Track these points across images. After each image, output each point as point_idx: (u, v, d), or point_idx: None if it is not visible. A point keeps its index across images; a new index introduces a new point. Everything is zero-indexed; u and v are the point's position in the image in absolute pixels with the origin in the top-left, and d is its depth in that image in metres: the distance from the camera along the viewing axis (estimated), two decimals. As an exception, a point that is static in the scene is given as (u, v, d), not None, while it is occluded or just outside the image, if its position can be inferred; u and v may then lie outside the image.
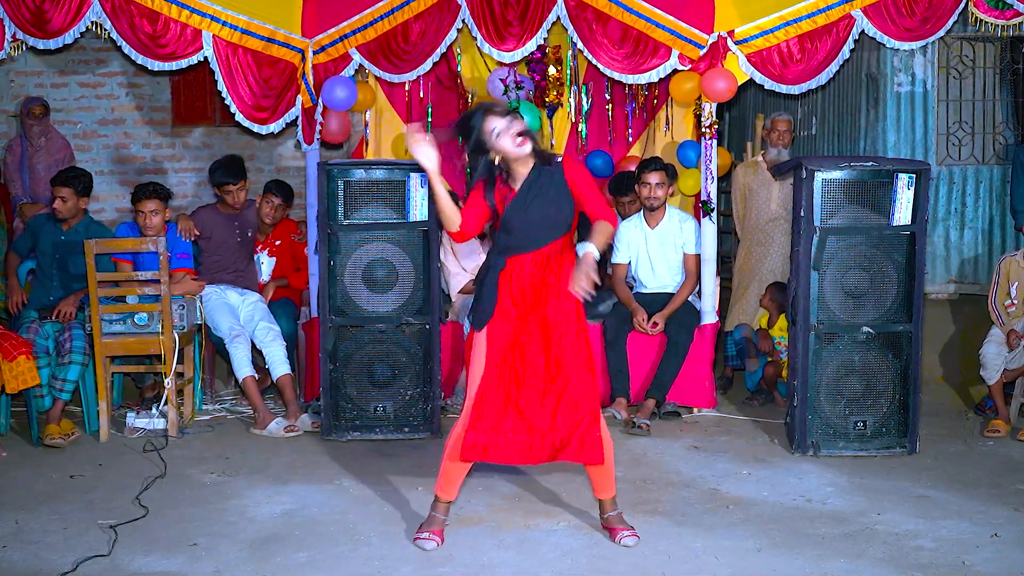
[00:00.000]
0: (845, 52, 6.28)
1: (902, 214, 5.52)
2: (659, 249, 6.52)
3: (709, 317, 6.51)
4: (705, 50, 6.23)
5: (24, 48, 6.05)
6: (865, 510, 4.74)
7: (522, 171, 4.15)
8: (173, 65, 6.16)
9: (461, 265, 6.91)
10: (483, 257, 5.17)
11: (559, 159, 4.19)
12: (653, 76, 6.32)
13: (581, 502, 4.82)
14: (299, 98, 6.37)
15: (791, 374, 5.72)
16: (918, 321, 5.58)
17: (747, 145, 8.42)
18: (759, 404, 6.72)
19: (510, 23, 6.19)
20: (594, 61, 6.32)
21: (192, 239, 6.47)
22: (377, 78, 6.81)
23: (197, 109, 8.97)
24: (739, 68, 6.27)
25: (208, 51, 6.10)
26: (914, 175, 5.50)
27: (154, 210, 6.16)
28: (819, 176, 5.50)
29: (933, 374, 7.06)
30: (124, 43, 6.00)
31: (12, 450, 5.70)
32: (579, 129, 7.88)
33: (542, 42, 6.41)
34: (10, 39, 5.91)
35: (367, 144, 7.65)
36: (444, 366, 6.26)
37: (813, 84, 6.37)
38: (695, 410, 6.48)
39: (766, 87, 6.37)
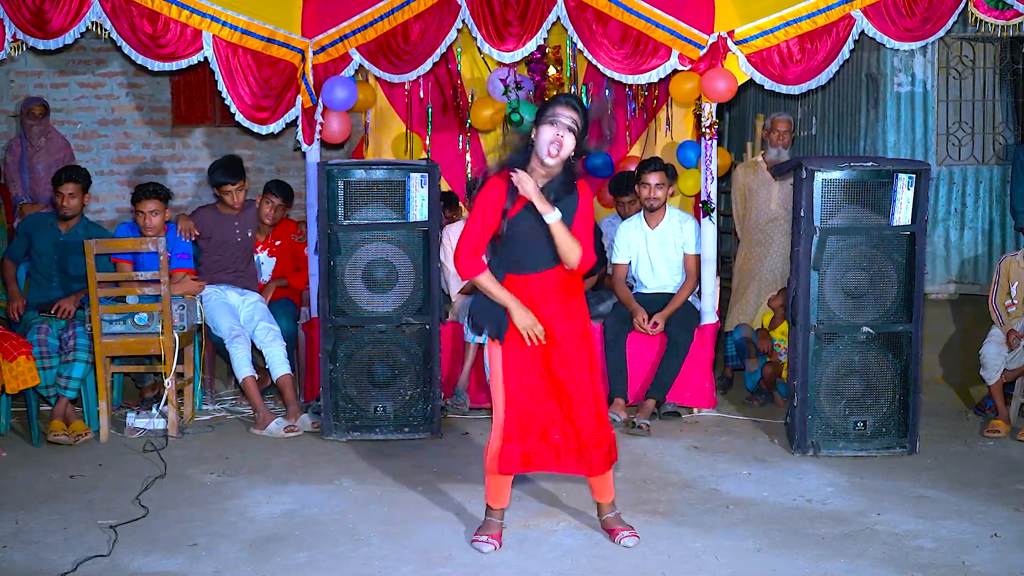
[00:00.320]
0: (845, 52, 6.28)
1: (902, 214, 5.52)
2: (659, 249, 6.51)
3: (709, 317, 6.51)
4: (705, 50, 6.23)
5: (24, 48, 6.05)
6: (865, 510, 4.74)
7: (542, 174, 4.03)
8: (173, 65, 6.16)
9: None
10: None
11: (576, 182, 4.08)
12: (653, 76, 6.32)
13: (581, 502, 4.82)
14: (299, 98, 6.37)
15: (791, 374, 5.73)
16: (918, 321, 5.58)
17: (747, 145, 8.42)
18: (759, 404, 6.72)
19: (510, 23, 6.20)
20: (594, 61, 6.32)
21: (192, 239, 6.47)
22: (377, 78, 6.81)
23: (197, 109, 8.97)
24: (739, 68, 6.27)
25: (208, 51, 6.10)
26: (914, 175, 5.50)
27: (154, 210, 6.16)
28: (819, 176, 5.50)
29: (933, 374, 7.06)
30: (124, 43, 6.00)
31: (12, 450, 5.70)
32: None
33: (542, 42, 6.42)
34: (10, 39, 5.92)
35: (367, 144, 7.66)
36: (444, 366, 6.26)
37: (813, 84, 6.38)
38: (695, 410, 6.48)
39: (766, 87, 6.37)
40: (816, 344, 5.59)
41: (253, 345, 6.35)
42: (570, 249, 4.01)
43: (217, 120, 8.90)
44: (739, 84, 6.27)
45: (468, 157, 7.85)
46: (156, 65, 6.13)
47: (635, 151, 7.86)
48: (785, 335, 6.47)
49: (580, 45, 6.29)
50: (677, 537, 4.40)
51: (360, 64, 6.39)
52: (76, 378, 5.90)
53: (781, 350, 6.57)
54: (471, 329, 4.31)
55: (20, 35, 5.90)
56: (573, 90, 7.76)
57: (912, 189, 5.49)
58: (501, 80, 7.39)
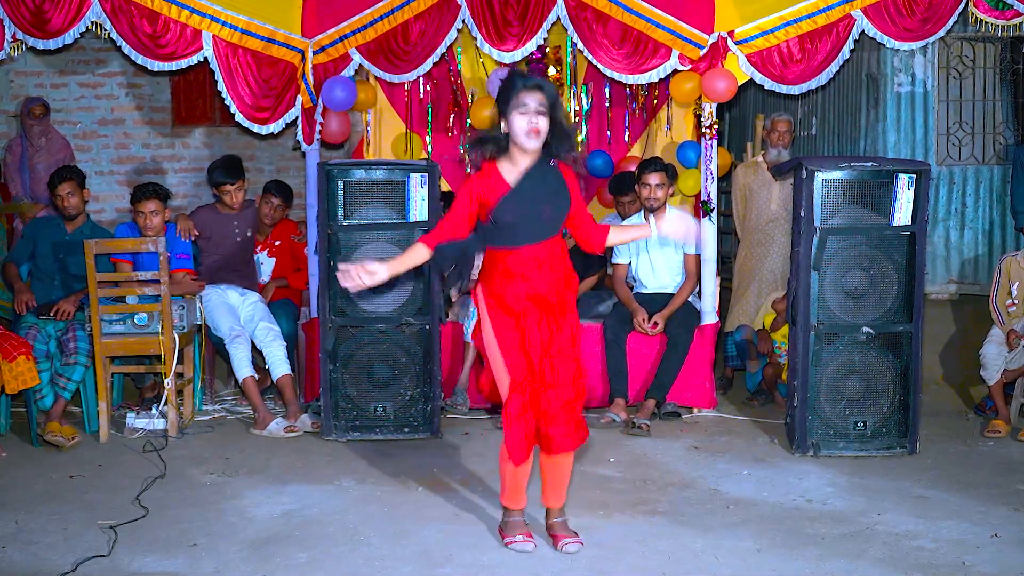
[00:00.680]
0: (845, 52, 6.28)
1: (902, 214, 5.52)
2: (659, 249, 6.51)
3: (709, 317, 6.51)
4: (705, 50, 6.23)
5: (24, 48, 6.05)
6: (865, 510, 4.74)
7: (521, 159, 4.04)
8: (173, 65, 6.16)
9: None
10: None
11: (554, 162, 4.08)
12: (653, 76, 6.32)
13: (581, 502, 4.82)
14: (299, 98, 6.37)
15: (791, 374, 5.72)
16: (918, 321, 5.58)
17: (747, 145, 8.42)
18: (759, 405, 6.72)
19: (510, 23, 6.20)
20: (594, 61, 6.32)
21: (191, 239, 6.47)
22: (377, 78, 6.81)
23: (197, 109, 8.97)
24: (739, 68, 6.27)
25: (208, 51, 6.10)
26: (914, 175, 5.50)
27: (154, 210, 6.16)
28: (819, 176, 5.50)
29: (933, 374, 7.05)
30: (124, 43, 6.00)
31: (12, 450, 5.70)
32: (579, 129, 7.88)
33: (542, 42, 6.42)
34: (10, 39, 5.92)
35: (367, 144, 7.66)
36: (444, 366, 6.26)
37: (813, 84, 6.38)
38: (695, 410, 6.48)
39: (766, 87, 6.37)
40: (816, 344, 5.59)
41: (253, 345, 6.35)
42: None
43: (217, 120, 8.90)
44: (739, 84, 6.27)
45: (468, 157, 7.85)
46: (156, 65, 6.13)
47: (635, 151, 7.86)
48: (786, 338, 6.46)
49: (580, 45, 6.29)
50: (677, 537, 4.40)
51: (360, 64, 6.39)
52: (75, 380, 5.91)
53: (782, 352, 6.57)
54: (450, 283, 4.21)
55: (20, 35, 5.90)
56: (573, 90, 7.77)
57: (912, 189, 5.49)
58: (501, 80, 7.37)
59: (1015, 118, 7.88)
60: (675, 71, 6.35)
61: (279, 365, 6.26)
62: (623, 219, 6.87)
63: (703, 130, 6.45)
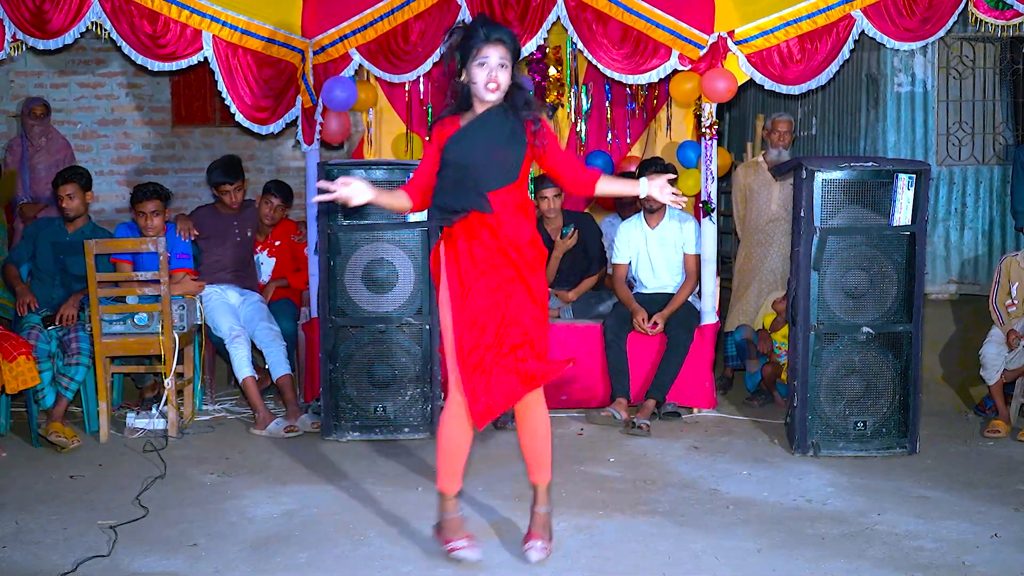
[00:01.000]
0: (845, 52, 6.28)
1: (902, 214, 5.52)
2: (659, 249, 6.51)
3: (709, 317, 6.51)
4: (705, 50, 6.23)
5: (24, 48, 6.05)
6: (865, 510, 4.74)
7: (480, 109, 3.95)
8: (173, 65, 6.16)
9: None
10: None
11: (526, 116, 3.92)
12: (653, 76, 6.32)
13: (581, 502, 4.82)
14: (299, 98, 6.37)
15: (791, 374, 5.72)
16: (918, 321, 5.58)
17: (747, 145, 8.42)
18: (759, 404, 6.72)
19: (510, 23, 6.19)
20: (594, 61, 6.32)
21: (191, 239, 6.47)
22: (377, 78, 6.81)
23: (197, 109, 8.97)
24: (739, 68, 6.27)
25: (208, 51, 6.10)
26: (914, 175, 5.50)
27: (154, 211, 6.16)
28: (819, 176, 5.50)
29: (933, 374, 7.05)
30: (124, 43, 6.00)
31: (12, 450, 5.70)
32: (579, 129, 7.89)
33: (542, 42, 6.42)
34: (10, 39, 5.91)
35: (367, 144, 7.66)
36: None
37: (813, 84, 6.37)
38: (695, 410, 6.48)
39: (766, 87, 6.37)
40: (816, 344, 5.59)
41: (253, 345, 6.35)
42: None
43: (217, 120, 8.90)
44: (739, 84, 6.27)
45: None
46: (156, 65, 6.13)
47: (635, 151, 7.87)
48: (786, 338, 6.46)
49: (580, 45, 6.29)
50: (677, 537, 4.40)
51: (360, 64, 6.39)
52: (77, 380, 5.92)
53: (781, 352, 6.57)
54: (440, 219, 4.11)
55: (20, 35, 5.90)
56: (574, 90, 7.76)
57: (912, 189, 5.49)
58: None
59: (1015, 118, 7.88)
60: (675, 71, 6.35)
61: (279, 365, 6.26)
62: (623, 219, 6.87)
63: (703, 130, 6.45)
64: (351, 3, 6.30)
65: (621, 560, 4.17)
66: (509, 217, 3.94)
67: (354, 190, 3.87)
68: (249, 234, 6.78)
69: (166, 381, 5.93)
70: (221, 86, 6.20)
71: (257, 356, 6.44)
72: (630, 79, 6.37)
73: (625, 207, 7.10)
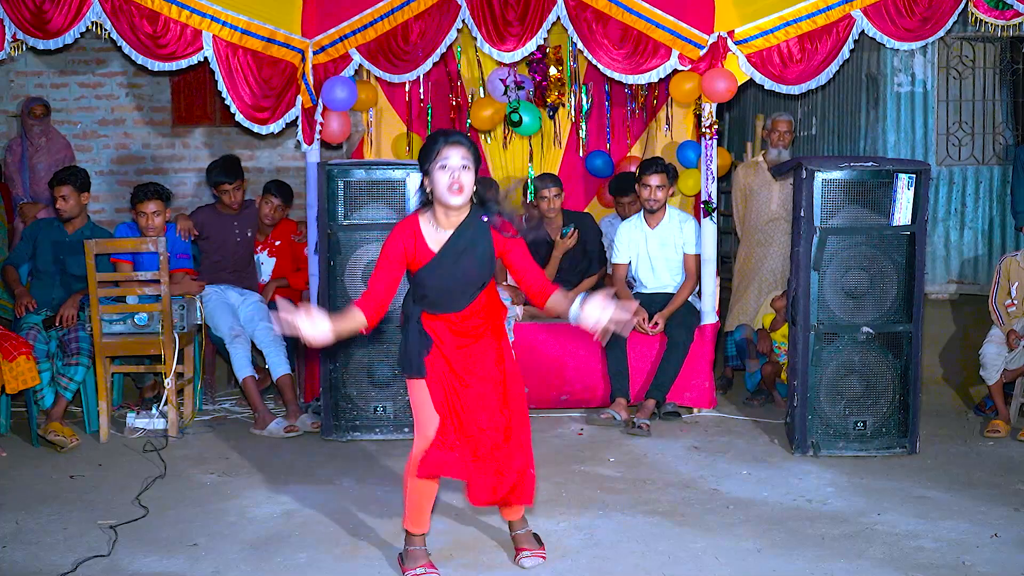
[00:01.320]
0: (845, 52, 6.27)
1: (902, 214, 5.52)
2: (659, 249, 6.51)
3: (709, 317, 6.51)
4: (705, 50, 6.23)
5: (24, 48, 6.05)
6: (865, 510, 4.74)
7: (444, 222, 3.82)
8: (173, 65, 6.15)
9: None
10: None
11: (486, 219, 3.83)
12: (653, 76, 6.32)
13: (581, 502, 4.82)
14: (299, 98, 6.37)
15: (791, 374, 5.72)
16: (918, 321, 5.58)
17: (747, 145, 8.42)
18: (759, 404, 6.72)
19: (510, 23, 6.19)
20: (594, 61, 6.31)
21: (191, 239, 6.47)
22: (377, 78, 6.81)
23: (197, 109, 8.96)
24: (739, 68, 6.27)
25: (208, 51, 6.10)
26: (914, 175, 5.50)
27: (155, 211, 6.16)
28: (819, 176, 5.50)
29: (933, 374, 7.05)
30: (124, 43, 6.00)
31: (12, 450, 5.70)
32: (579, 129, 7.89)
33: (542, 42, 6.42)
34: (10, 39, 5.91)
35: (367, 144, 7.66)
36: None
37: (813, 84, 6.37)
38: (695, 410, 6.48)
39: (766, 87, 6.36)
40: (816, 344, 5.59)
41: (253, 345, 6.35)
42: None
43: (217, 120, 8.89)
44: (739, 84, 6.27)
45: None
46: (156, 65, 6.13)
47: (635, 151, 7.86)
48: (786, 337, 6.46)
49: (580, 45, 6.29)
50: (677, 537, 4.40)
51: (360, 64, 6.39)
52: (77, 380, 5.92)
53: (781, 352, 6.57)
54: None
55: (20, 35, 5.90)
56: (574, 90, 7.76)
57: (912, 189, 5.49)
58: (501, 80, 7.39)
59: (1015, 118, 7.88)
60: (675, 71, 6.35)
61: (279, 365, 6.26)
62: (623, 219, 6.87)
63: (703, 130, 6.45)
64: (351, 3, 6.30)
65: (621, 560, 4.17)
66: (476, 320, 3.92)
67: (314, 331, 3.59)
68: (249, 234, 6.78)
69: (166, 381, 5.93)
70: (221, 86, 6.20)
71: (257, 356, 6.44)
72: (630, 79, 6.37)
73: (625, 207, 7.10)
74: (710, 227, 6.46)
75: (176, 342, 5.96)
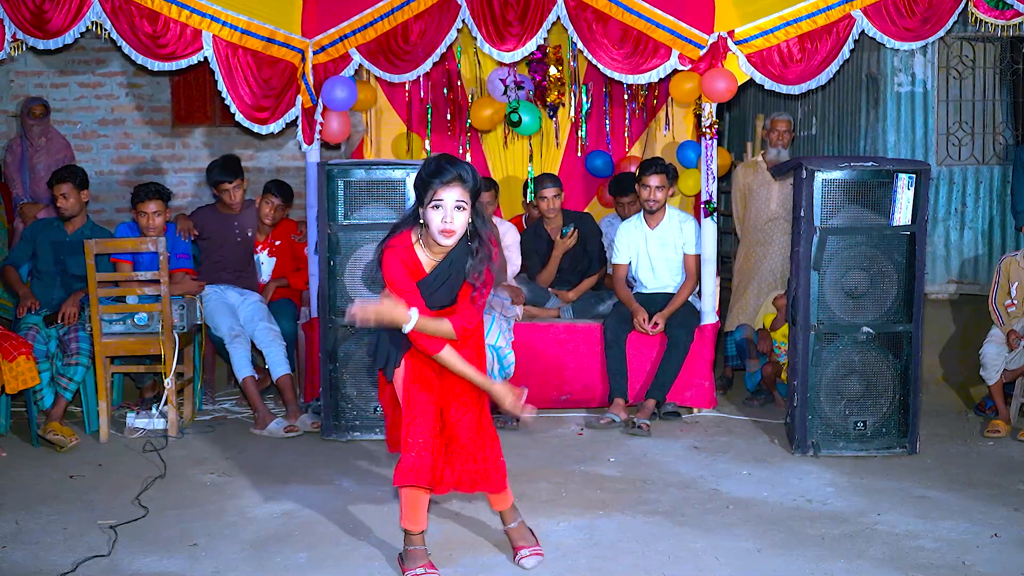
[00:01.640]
0: (845, 52, 6.27)
1: (902, 214, 5.52)
2: (659, 250, 6.51)
3: (709, 317, 6.51)
4: (705, 50, 6.23)
5: (24, 48, 6.05)
6: (865, 510, 4.74)
7: (436, 249, 3.81)
8: (173, 65, 6.15)
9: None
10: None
11: (485, 240, 3.80)
12: (653, 76, 6.32)
13: (581, 502, 4.82)
14: (299, 98, 6.37)
15: (791, 374, 5.72)
16: (918, 321, 5.58)
17: (747, 145, 8.42)
18: (759, 404, 6.71)
19: (510, 23, 6.19)
20: (594, 61, 6.31)
21: (191, 239, 6.47)
22: (377, 78, 6.81)
23: (197, 109, 8.97)
24: (739, 68, 6.27)
25: (208, 51, 6.10)
26: (914, 175, 5.50)
27: (156, 211, 6.17)
28: (819, 176, 5.50)
29: (933, 374, 7.05)
30: (124, 43, 6.00)
31: (12, 450, 5.70)
32: (579, 129, 7.88)
33: (542, 42, 6.41)
34: (10, 39, 5.91)
35: (367, 144, 7.66)
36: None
37: (813, 84, 6.37)
38: (695, 410, 6.48)
39: (766, 87, 6.36)
40: (816, 344, 5.59)
41: (253, 345, 6.35)
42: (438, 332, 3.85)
43: (217, 120, 8.90)
44: (739, 84, 6.27)
45: (468, 157, 7.85)
46: (156, 65, 6.12)
47: (635, 151, 7.87)
48: (786, 337, 6.46)
49: (580, 45, 6.28)
50: (677, 537, 4.40)
51: (360, 64, 6.39)
52: (76, 381, 5.92)
53: (781, 352, 6.56)
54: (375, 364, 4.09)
55: (20, 35, 5.90)
56: (574, 89, 7.76)
57: (912, 189, 5.49)
58: (501, 80, 7.38)
59: (1015, 118, 7.88)
60: (675, 71, 6.35)
61: (279, 365, 6.26)
62: (623, 219, 6.87)
63: (703, 130, 6.45)
64: (351, 3, 6.30)
65: (621, 560, 4.17)
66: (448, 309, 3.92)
67: (395, 312, 3.72)
68: (249, 234, 6.78)
69: (166, 381, 5.93)
70: (221, 86, 6.20)
71: (257, 356, 6.44)
72: (630, 79, 6.37)
73: (625, 207, 7.10)
74: (710, 227, 6.45)
75: (176, 342, 5.96)
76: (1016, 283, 6.21)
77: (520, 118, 7.38)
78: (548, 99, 7.67)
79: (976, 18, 6.33)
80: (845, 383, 5.61)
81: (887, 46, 6.43)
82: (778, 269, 7.01)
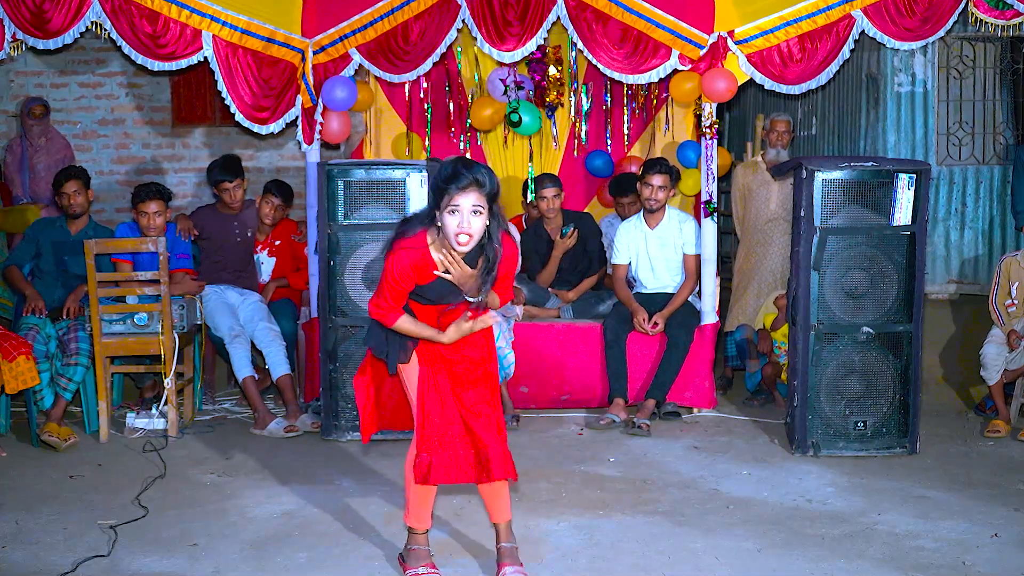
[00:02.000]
0: (845, 52, 6.27)
1: (902, 214, 5.52)
2: (659, 250, 6.51)
3: (709, 317, 6.51)
4: (705, 50, 6.23)
5: (24, 48, 6.05)
6: (865, 510, 4.74)
7: (458, 252, 3.73)
8: (173, 65, 6.15)
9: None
10: None
11: (498, 246, 3.75)
12: (653, 76, 6.32)
13: (581, 502, 4.82)
14: (299, 98, 6.37)
15: (791, 374, 5.72)
16: (918, 321, 5.58)
17: (747, 145, 8.43)
18: (759, 404, 6.71)
19: (510, 23, 6.19)
20: (594, 61, 6.31)
21: (191, 239, 6.48)
22: (377, 78, 6.81)
23: (197, 109, 8.96)
24: (739, 68, 6.27)
25: (208, 51, 6.10)
26: (914, 175, 5.50)
27: (157, 211, 6.17)
28: (819, 176, 5.50)
29: (933, 374, 7.05)
30: (124, 43, 6.00)
31: (12, 450, 5.70)
32: (579, 129, 7.88)
33: (542, 42, 6.41)
34: (10, 39, 5.91)
35: (367, 144, 7.66)
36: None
37: (813, 84, 6.37)
38: (695, 410, 6.47)
39: (766, 87, 6.36)
40: (816, 344, 5.59)
41: (253, 345, 6.35)
42: (490, 303, 3.88)
43: (217, 120, 8.90)
44: (739, 84, 6.27)
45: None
46: (156, 65, 6.13)
47: (635, 151, 7.87)
48: (786, 337, 6.46)
49: (580, 45, 6.28)
50: (677, 537, 4.40)
51: (360, 64, 6.39)
52: (76, 381, 5.92)
53: (781, 352, 6.56)
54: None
55: (20, 35, 5.90)
56: (574, 89, 7.75)
57: (912, 189, 5.49)
58: (501, 80, 7.39)
59: (1015, 118, 7.88)
60: (675, 71, 6.35)
61: (279, 365, 6.26)
62: (622, 219, 6.87)
63: (703, 130, 6.45)
64: (351, 3, 6.30)
65: (621, 560, 4.17)
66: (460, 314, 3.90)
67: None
68: (249, 234, 6.78)
69: (166, 381, 5.93)
70: (221, 86, 6.20)
71: (257, 356, 6.44)
72: (630, 79, 6.37)
73: (625, 207, 7.09)
74: (710, 227, 6.45)
75: (176, 342, 5.96)
76: (1016, 283, 6.21)
77: (520, 118, 7.39)
78: (547, 99, 7.67)
79: (976, 18, 6.33)
80: (845, 383, 5.61)
81: (887, 46, 6.43)
82: (778, 269, 7.01)
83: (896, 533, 4.45)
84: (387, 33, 6.29)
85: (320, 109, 6.38)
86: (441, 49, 6.32)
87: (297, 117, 6.40)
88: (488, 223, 3.70)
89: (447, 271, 3.74)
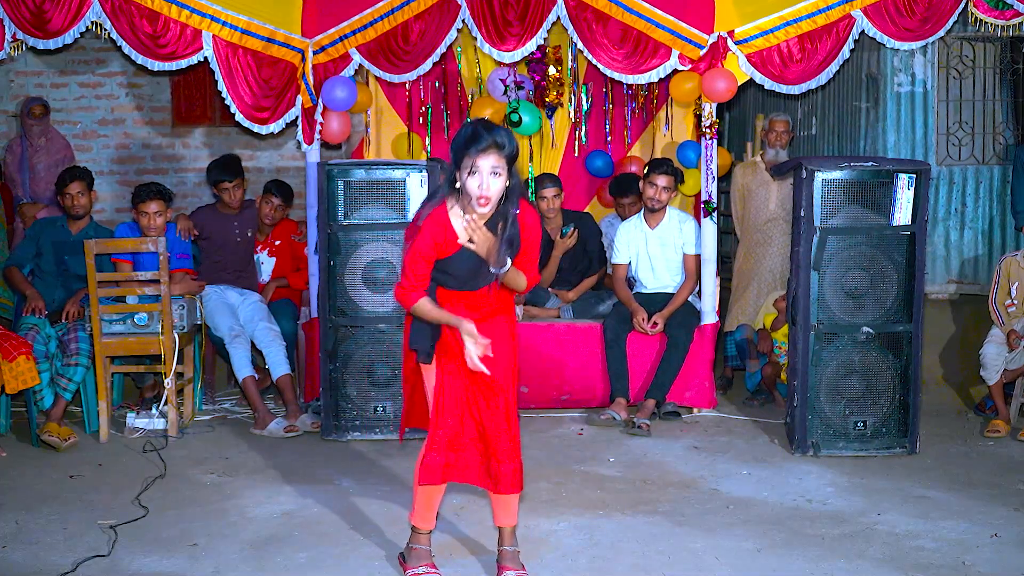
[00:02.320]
0: (845, 52, 6.27)
1: (902, 214, 5.52)
2: (659, 250, 6.51)
3: (709, 317, 6.51)
4: (705, 50, 6.23)
5: (24, 48, 6.05)
6: (865, 510, 4.74)
7: (479, 214, 3.73)
8: (173, 65, 6.16)
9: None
10: None
11: (516, 211, 3.76)
12: (653, 76, 6.32)
13: (581, 502, 4.82)
14: (299, 98, 6.37)
15: (791, 374, 5.72)
16: (918, 321, 5.58)
17: (747, 145, 8.42)
18: (759, 404, 6.71)
19: (510, 23, 6.19)
20: (594, 61, 6.31)
21: (191, 239, 6.48)
22: (377, 78, 6.81)
23: (197, 109, 8.96)
24: (739, 68, 6.27)
25: (208, 51, 6.10)
26: (914, 175, 5.50)
27: (157, 211, 6.17)
28: (819, 176, 5.50)
29: (933, 374, 7.05)
30: (124, 43, 6.00)
31: (12, 450, 5.70)
32: (579, 129, 7.88)
33: (542, 42, 6.41)
34: (10, 39, 5.91)
35: (367, 144, 7.66)
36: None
37: (813, 84, 6.37)
38: (695, 410, 6.47)
39: (766, 87, 6.36)
40: (816, 344, 5.59)
41: (253, 345, 6.35)
42: (517, 285, 3.88)
43: (217, 120, 8.90)
44: (739, 84, 6.27)
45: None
46: (156, 65, 6.13)
47: (635, 151, 7.86)
48: (786, 337, 6.46)
49: (580, 45, 6.28)
50: (677, 537, 4.40)
51: (360, 64, 6.39)
52: (76, 381, 5.91)
53: (781, 352, 6.56)
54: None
55: (20, 35, 5.90)
56: (574, 89, 7.75)
57: (912, 189, 5.49)
58: (501, 80, 7.38)
59: (1015, 118, 7.88)
60: (675, 71, 6.35)
61: (279, 365, 6.26)
62: (623, 220, 6.86)
63: (703, 130, 6.45)
64: (351, 3, 6.30)
65: (621, 560, 4.17)
66: (486, 301, 3.90)
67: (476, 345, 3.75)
68: (249, 234, 6.78)
69: (166, 381, 5.93)
70: (221, 86, 6.20)
71: (257, 356, 6.44)
72: (630, 79, 6.37)
73: (625, 208, 7.09)
74: (710, 227, 6.45)
75: (176, 342, 5.96)
76: (1016, 283, 6.21)
77: (520, 118, 7.38)
78: (547, 99, 7.67)
79: (976, 18, 6.33)
80: (845, 383, 5.61)
81: (887, 46, 6.43)
82: (778, 269, 7.01)
83: (896, 533, 4.45)
84: (387, 33, 6.29)
85: (320, 109, 6.38)
86: (441, 49, 6.32)
87: (297, 117, 6.40)
88: (508, 183, 3.69)
89: (470, 240, 3.73)
